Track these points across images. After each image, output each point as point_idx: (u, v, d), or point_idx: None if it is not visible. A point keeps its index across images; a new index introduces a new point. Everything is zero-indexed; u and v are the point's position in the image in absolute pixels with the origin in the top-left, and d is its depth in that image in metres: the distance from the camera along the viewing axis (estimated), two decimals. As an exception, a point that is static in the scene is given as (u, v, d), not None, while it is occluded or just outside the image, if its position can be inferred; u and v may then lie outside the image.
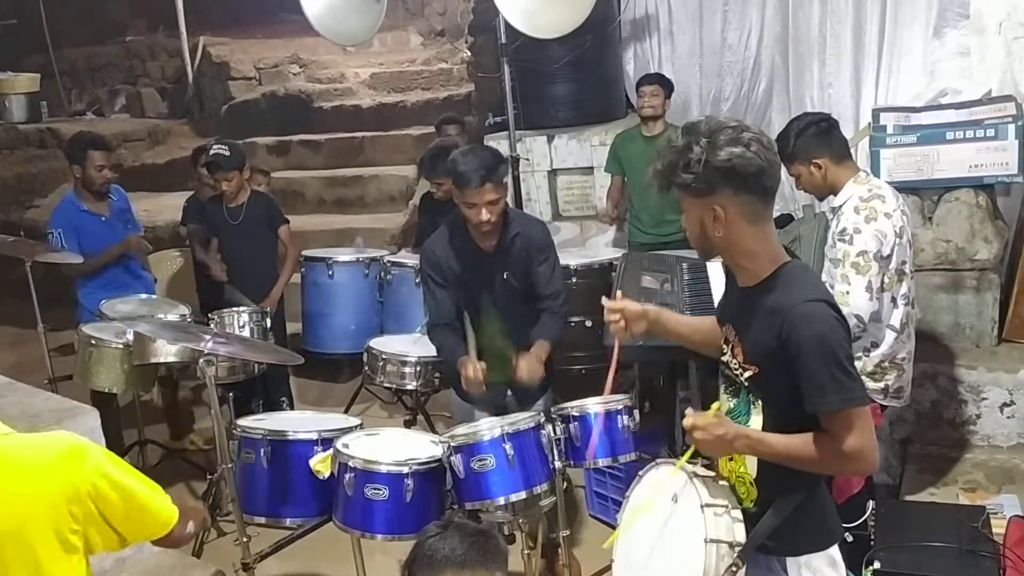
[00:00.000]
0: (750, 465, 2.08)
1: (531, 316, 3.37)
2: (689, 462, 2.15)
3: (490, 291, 3.30)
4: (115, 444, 4.32)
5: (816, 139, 3.16)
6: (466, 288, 3.34)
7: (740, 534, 2.02)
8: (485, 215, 3.09)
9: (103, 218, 4.70)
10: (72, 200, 4.67)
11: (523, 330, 3.33)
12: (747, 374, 2.03)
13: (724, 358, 2.13)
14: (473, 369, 3.16)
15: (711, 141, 1.91)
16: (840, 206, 3.13)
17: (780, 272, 1.99)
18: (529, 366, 3.21)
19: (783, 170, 3.14)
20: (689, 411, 2.03)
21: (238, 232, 4.71)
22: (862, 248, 3.00)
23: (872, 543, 2.95)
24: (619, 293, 2.28)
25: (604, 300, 2.28)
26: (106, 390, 4.20)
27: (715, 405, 2.08)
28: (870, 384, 3.14)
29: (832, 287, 2.98)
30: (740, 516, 2.05)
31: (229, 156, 4.61)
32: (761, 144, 1.92)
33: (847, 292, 2.97)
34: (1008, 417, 3.82)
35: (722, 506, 2.03)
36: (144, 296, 4.76)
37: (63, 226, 4.58)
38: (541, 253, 3.32)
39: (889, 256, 3.04)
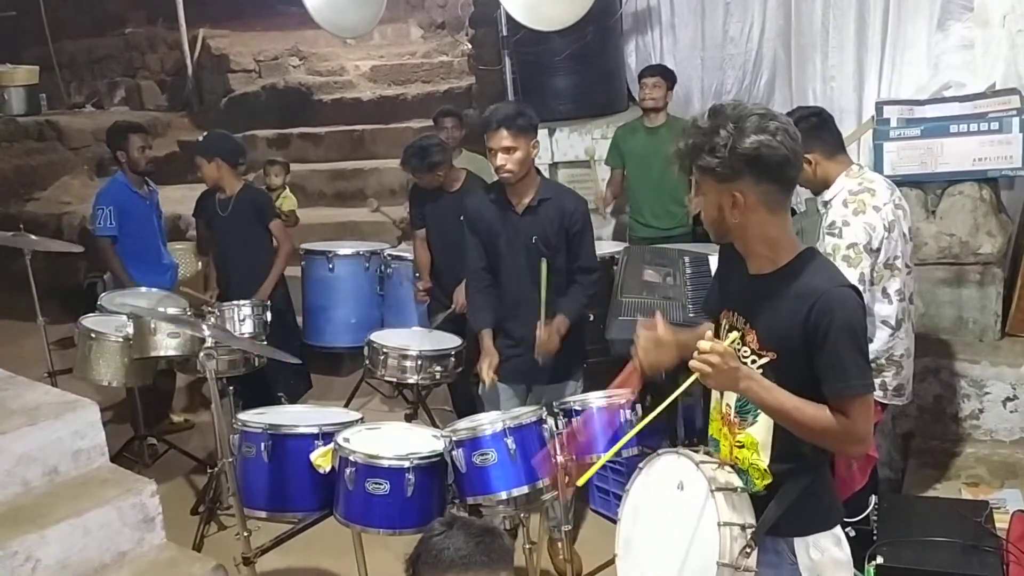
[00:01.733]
0: (763, 453, 2.07)
1: (558, 284, 3.43)
2: (692, 450, 2.15)
3: (520, 253, 3.42)
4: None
5: (807, 134, 3.09)
6: (495, 245, 3.46)
7: (750, 516, 2.03)
8: (500, 159, 3.26)
9: (147, 202, 4.97)
10: (123, 181, 4.92)
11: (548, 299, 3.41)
12: (762, 360, 2.02)
13: (731, 348, 2.11)
14: (488, 366, 3.36)
15: (738, 127, 1.90)
16: (830, 200, 3.12)
17: (801, 258, 2.00)
18: (543, 340, 3.31)
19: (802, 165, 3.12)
20: (709, 334, 2.02)
21: (226, 225, 4.69)
22: (852, 240, 2.99)
23: (875, 538, 2.94)
24: (658, 315, 2.23)
25: (640, 327, 2.23)
26: (105, 383, 4.20)
27: (732, 335, 2.05)
28: None
29: None
30: (748, 499, 2.05)
31: (200, 143, 4.81)
32: (787, 134, 1.92)
33: None
34: (1011, 412, 3.80)
35: (730, 490, 2.04)
36: (144, 290, 4.76)
37: (113, 204, 4.81)
38: (575, 224, 3.42)
39: (878, 250, 3.02)
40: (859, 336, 1.93)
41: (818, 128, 3.14)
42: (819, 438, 2.00)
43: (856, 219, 3.00)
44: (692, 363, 1.95)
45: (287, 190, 5.59)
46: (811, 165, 3.12)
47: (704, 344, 1.94)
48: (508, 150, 3.25)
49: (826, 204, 3.14)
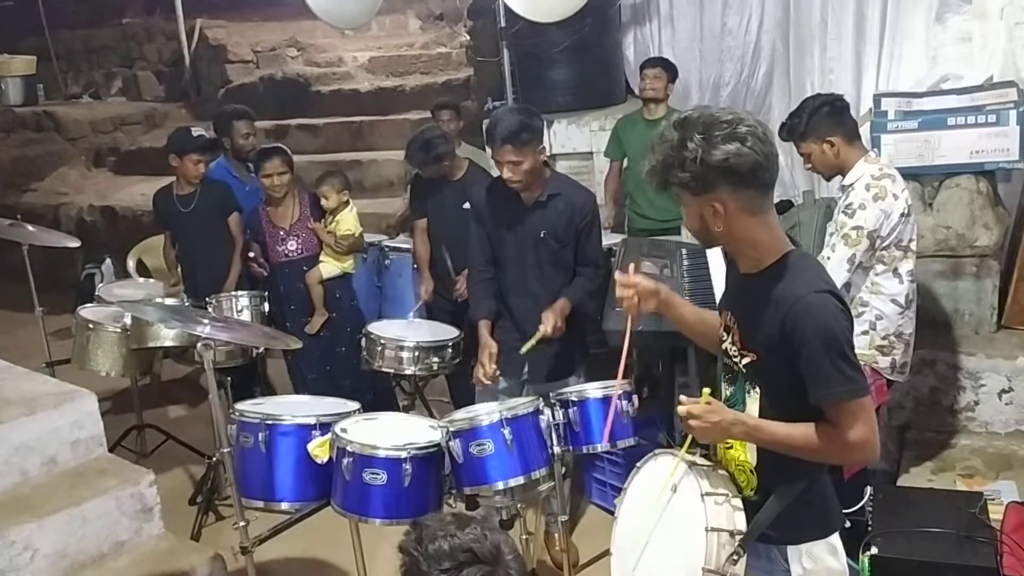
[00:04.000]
0: (750, 454, 2.07)
1: (563, 280, 3.46)
2: (688, 451, 2.15)
3: (528, 247, 3.42)
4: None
5: (830, 118, 3.20)
6: (501, 238, 3.47)
7: (741, 522, 2.01)
8: (507, 173, 3.29)
9: (247, 187, 4.80)
10: (224, 166, 4.89)
11: (553, 293, 3.42)
12: (745, 360, 2.02)
13: (724, 345, 2.12)
14: (488, 358, 3.35)
15: (706, 138, 1.87)
16: (852, 183, 3.18)
17: (784, 261, 1.97)
18: (548, 318, 3.31)
19: (779, 156, 3.15)
20: (682, 399, 2.01)
21: (190, 221, 4.57)
22: (859, 223, 3.08)
23: (869, 528, 2.96)
24: (631, 267, 2.24)
25: (617, 274, 2.25)
26: (104, 374, 4.20)
27: (705, 391, 2.06)
28: (880, 359, 3.23)
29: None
30: (740, 505, 2.04)
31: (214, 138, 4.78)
32: (757, 138, 1.88)
33: (828, 258, 3.08)
34: (1006, 404, 3.82)
35: (722, 495, 2.02)
36: (142, 280, 4.75)
37: None
38: (584, 218, 3.41)
39: (888, 235, 3.11)
40: (838, 342, 1.88)
41: (840, 113, 3.23)
42: (818, 457, 1.99)
43: (874, 204, 3.09)
44: (683, 427, 2.00)
45: (348, 208, 4.48)
46: (832, 148, 3.19)
47: (681, 409, 1.98)
48: (514, 164, 3.26)
49: (845, 188, 3.20)
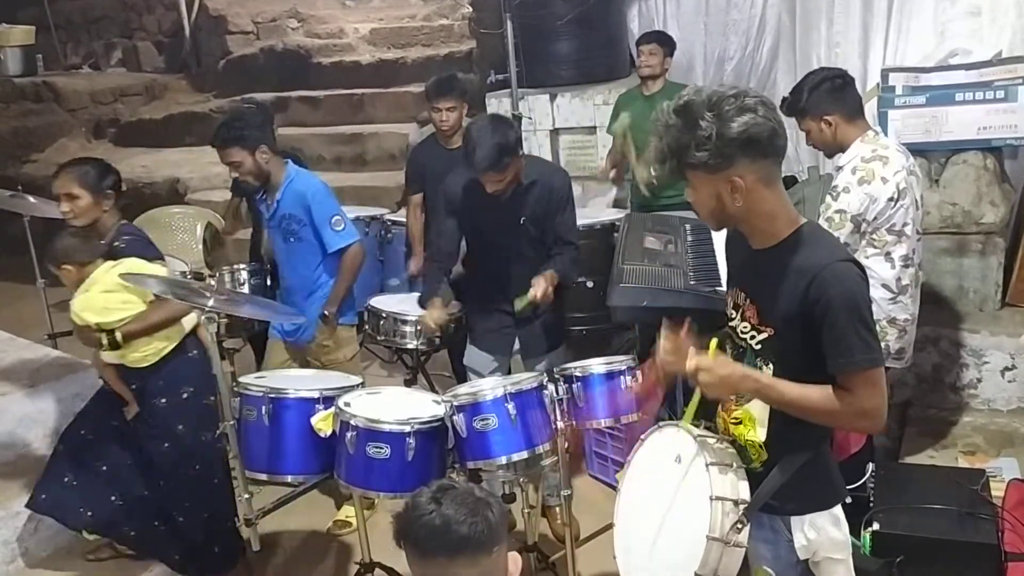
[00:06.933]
0: (759, 431, 2.07)
1: (541, 258, 3.46)
2: (692, 423, 2.15)
3: (508, 233, 3.41)
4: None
5: (829, 95, 3.13)
6: (481, 227, 3.46)
7: (745, 492, 2.02)
8: (491, 188, 3.26)
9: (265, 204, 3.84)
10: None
11: (534, 276, 3.37)
12: (760, 336, 2.01)
13: (732, 324, 2.11)
14: (433, 314, 3.47)
15: (717, 114, 1.85)
16: (843, 165, 3.13)
17: (800, 232, 1.98)
18: (539, 283, 3.28)
19: (786, 132, 3.12)
20: (691, 352, 2.01)
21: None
22: (842, 207, 3.04)
23: (871, 505, 2.97)
24: (684, 330, 2.14)
25: (665, 332, 2.16)
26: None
27: (712, 343, 2.05)
28: None
29: None
30: (744, 475, 2.05)
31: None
32: (766, 106, 1.89)
33: None
34: (1009, 381, 3.82)
35: (727, 465, 2.03)
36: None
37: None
38: (561, 200, 3.43)
39: (875, 219, 3.05)
40: (861, 310, 1.89)
41: (840, 90, 3.14)
42: (828, 420, 2.00)
43: (858, 188, 3.03)
44: (691, 380, 2.00)
45: (85, 287, 3.17)
46: (831, 127, 3.13)
47: (689, 363, 1.98)
48: (501, 181, 3.26)
49: (839, 169, 3.14)
